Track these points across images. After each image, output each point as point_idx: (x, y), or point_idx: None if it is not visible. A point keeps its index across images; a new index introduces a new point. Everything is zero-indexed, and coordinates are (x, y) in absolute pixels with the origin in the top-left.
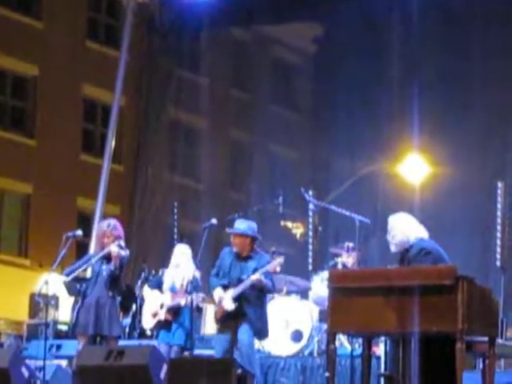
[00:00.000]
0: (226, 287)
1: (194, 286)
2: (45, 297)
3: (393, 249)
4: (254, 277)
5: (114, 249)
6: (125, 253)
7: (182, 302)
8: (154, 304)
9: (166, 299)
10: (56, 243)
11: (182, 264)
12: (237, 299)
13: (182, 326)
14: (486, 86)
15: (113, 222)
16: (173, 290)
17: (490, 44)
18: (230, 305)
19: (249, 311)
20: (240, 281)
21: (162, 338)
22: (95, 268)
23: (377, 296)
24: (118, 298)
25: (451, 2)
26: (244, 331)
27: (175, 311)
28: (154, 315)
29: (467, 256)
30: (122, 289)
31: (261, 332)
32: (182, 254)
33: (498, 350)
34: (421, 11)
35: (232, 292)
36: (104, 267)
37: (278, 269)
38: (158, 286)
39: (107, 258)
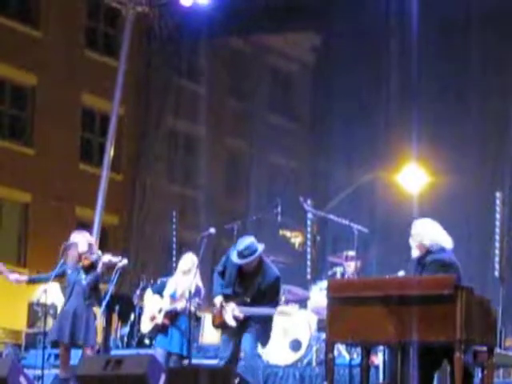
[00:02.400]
0: (228, 298)
1: (194, 295)
2: (43, 306)
3: (415, 254)
4: (241, 315)
5: (106, 259)
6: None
7: (179, 306)
8: (152, 308)
9: (165, 304)
10: (55, 252)
11: (191, 272)
12: (236, 319)
13: (178, 331)
14: (485, 96)
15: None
16: (173, 296)
17: (488, 54)
18: (230, 320)
19: (251, 324)
20: (243, 300)
21: (159, 343)
22: (70, 278)
23: (375, 305)
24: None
25: (449, 11)
26: (247, 339)
27: (172, 316)
28: (152, 319)
29: (466, 266)
30: (101, 297)
31: (264, 338)
32: (192, 261)
33: (496, 360)
34: (419, 20)
35: (235, 310)
36: (83, 277)
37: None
38: (160, 291)
39: (87, 268)
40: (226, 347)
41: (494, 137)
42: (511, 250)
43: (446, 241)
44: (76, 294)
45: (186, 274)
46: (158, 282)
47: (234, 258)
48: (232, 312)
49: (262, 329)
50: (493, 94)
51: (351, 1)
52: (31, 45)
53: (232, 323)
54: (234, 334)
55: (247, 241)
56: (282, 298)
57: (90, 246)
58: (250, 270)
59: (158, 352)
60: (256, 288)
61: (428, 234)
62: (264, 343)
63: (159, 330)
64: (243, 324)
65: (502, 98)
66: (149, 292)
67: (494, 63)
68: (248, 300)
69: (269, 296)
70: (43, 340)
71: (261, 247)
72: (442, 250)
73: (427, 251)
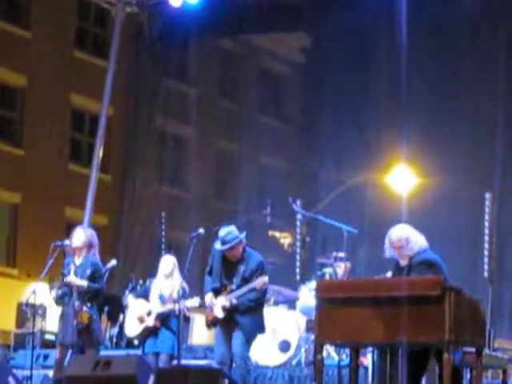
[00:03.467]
0: (217, 291)
1: (182, 296)
2: (32, 306)
3: (405, 262)
4: (226, 304)
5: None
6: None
7: (170, 306)
8: (139, 312)
9: (155, 307)
10: (44, 253)
11: (173, 274)
12: (225, 309)
13: (169, 332)
14: (474, 97)
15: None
16: (161, 298)
17: (477, 55)
18: (219, 313)
19: (239, 317)
20: (229, 290)
21: (148, 347)
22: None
23: (364, 306)
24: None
25: (439, 11)
26: (237, 342)
27: (163, 318)
28: (141, 321)
29: (455, 267)
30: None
31: (254, 334)
32: (173, 263)
33: (485, 361)
34: (408, 21)
35: (222, 301)
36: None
37: (264, 287)
38: (144, 295)
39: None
40: (218, 347)
41: (484, 138)
42: (500, 251)
43: (423, 240)
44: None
45: (169, 277)
46: (139, 287)
47: (218, 246)
48: (220, 304)
49: (252, 320)
50: (482, 95)
51: (341, 2)
52: (21, 45)
53: (220, 314)
54: (225, 333)
55: (228, 228)
56: (271, 299)
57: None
58: (233, 259)
59: (149, 359)
60: (241, 276)
61: (415, 238)
62: (261, 331)
63: (150, 332)
64: (231, 319)
65: (492, 99)
66: (131, 297)
67: (484, 64)
68: (233, 288)
69: (253, 280)
70: (32, 340)
71: (242, 235)
72: (425, 250)
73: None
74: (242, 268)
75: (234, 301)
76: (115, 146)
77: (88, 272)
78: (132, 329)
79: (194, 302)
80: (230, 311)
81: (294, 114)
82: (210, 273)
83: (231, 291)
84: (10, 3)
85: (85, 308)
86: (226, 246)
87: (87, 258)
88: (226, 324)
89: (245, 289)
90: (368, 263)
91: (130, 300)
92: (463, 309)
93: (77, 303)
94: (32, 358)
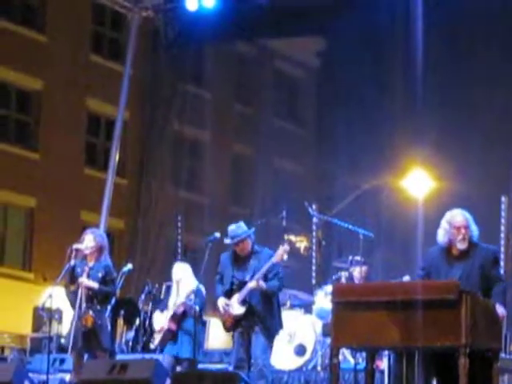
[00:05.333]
0: (230, 292)
1: (198, 298)
2: (48, 311)
3: (464, 245)
4: (252, 284)
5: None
6: None
7: (181, 308)
8: (161, 322)
9: (170, 311)
10: (60, 257)
11: (182, 279)
12: (244, 302)
13: (187, 336)
14: (489, 101)
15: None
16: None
17: (492, 60)
18: (238, 309)
19: (258, 311)
20: (244, 283)
21: (168, 350)
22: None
23: (380, 310)
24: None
25: (455, 17)
26: (256, 344)
27: (179, 320)
28: (160, 331)
29: None
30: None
31: (275, 331)
32: (182, 270)
33: (501, 365)
34: (424, 26)
35: (237, 296)
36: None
37: (285, 257)
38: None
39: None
40: (237, 351)
41: (500, 142)
42: None
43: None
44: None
45: (180, 283)
46: (154, 291)
47: (227, 240)
48: (236, 301)
49: (271, 318)
50: (497, 100)
51: (357, 6)
52: (37, 49)
53: (240, 310)
54: (243, 336)
55: (237, 224)
56: (287, 303)
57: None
58: (244, 254)
59: (166, 359)
60: (253, 270)
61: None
62: (280, 327)
63: (168, 337)
64: (249, 320)
65: (507, 103)
66: (157, 313)
67: (500, 69)
68: (247, 280)
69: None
70: (48, 344)
71: (251, 230)
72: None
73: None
74: (253, 263)
75: (262, 282)
76: (131, 150)
77: (100, 275)
78: (155, 341)
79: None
80: (248, 305)
81: (309, 118)
82: (221, 280)
83: (245, 284)
84: (26, 8)
85: (90, 312)
86: (236, 240)
87: (100, 261)
88: (245, 327)
89: (265, 267)
90: (384, 266)
91: (157, 317)
92: (479, 313)
93: (83, 306)
94: (48, 363)
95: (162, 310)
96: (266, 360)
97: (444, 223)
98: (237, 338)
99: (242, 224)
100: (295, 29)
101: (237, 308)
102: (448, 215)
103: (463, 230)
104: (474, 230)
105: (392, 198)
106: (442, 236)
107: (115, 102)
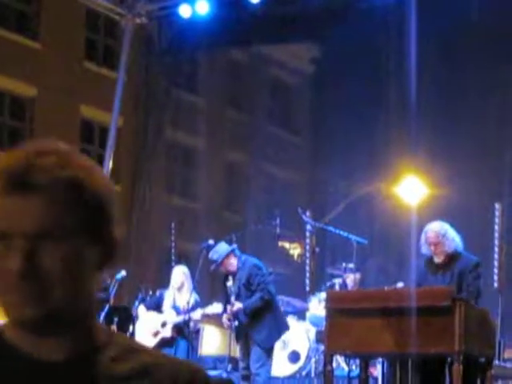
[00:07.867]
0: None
1: (193, 306)
2: None
3: (440, 259)
4: (231, 308)
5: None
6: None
7: (186, 317)
8: (151, 324)
9: (171, 317)
10: None
11: (185, 285)
12: (234, 319)
13: (185, 341)
14: (483, 108)
15: None
16: (177, 309)
17: (486, 69)
18: (227, 324)
19: (246, 328)
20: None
21: None
22: None
23: (374, 317)
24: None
25: (449, 27)
26: (253, 351)
27: (180, 329)
28: (155, 334)
29: None
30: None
31: (267, 344)
32: (183, 274)
33: (495, 372)
34: (418, 34)
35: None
36: None
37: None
38: (156, 307)
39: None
40: (240, 361)
41: (493, 149)
42: (510, 262)
43: (459, 238)
44: None
45: (181, 288)
46: (148, 298)
47: (212, 267)
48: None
49: (261, 331)
50: (491, 108)
51: (351, 13)
52: (30, 56)
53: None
54: (244, 346)
55: (215, 248)
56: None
57: None
58: (232, 271)
59: None
60: (238, 285)
61: (452, 237)
62: (277, 338)
63: (167, 343)
64: (243, 329)
65: (501, 111)
66: (142, 308)
67: (495, 76)
68: (233, 299)
69: (251, 287)
70: None
71: (230, 247)
72: (464, 251)
73: (452, 256)
74: (238, 276)
75: (237, 306)
76: (125, 157)
77: None
78: (144, 341)
79: (216, 308)
80: (238, 328)
81: (303, 125)
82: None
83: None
84: (20, 15)
85: None
86: (214, 266)
87: None
88: (245, 337)
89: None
90: (377, 273)
91: (141, 311)
92: (473, 319)
93: None
94: None
95: (148, 308)
96: (260, 369)
97: (422, 237)
98: (239, 348)
99: (219, 247)
100: (289, 36)
101: (226, 323)
102: (425, 229)
103: (433, 247)
104: (452, 242)
105: (385, 204)
106: (423, 249)
107: (109, 108)
